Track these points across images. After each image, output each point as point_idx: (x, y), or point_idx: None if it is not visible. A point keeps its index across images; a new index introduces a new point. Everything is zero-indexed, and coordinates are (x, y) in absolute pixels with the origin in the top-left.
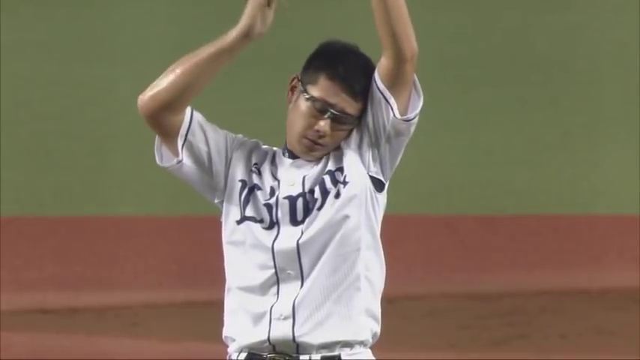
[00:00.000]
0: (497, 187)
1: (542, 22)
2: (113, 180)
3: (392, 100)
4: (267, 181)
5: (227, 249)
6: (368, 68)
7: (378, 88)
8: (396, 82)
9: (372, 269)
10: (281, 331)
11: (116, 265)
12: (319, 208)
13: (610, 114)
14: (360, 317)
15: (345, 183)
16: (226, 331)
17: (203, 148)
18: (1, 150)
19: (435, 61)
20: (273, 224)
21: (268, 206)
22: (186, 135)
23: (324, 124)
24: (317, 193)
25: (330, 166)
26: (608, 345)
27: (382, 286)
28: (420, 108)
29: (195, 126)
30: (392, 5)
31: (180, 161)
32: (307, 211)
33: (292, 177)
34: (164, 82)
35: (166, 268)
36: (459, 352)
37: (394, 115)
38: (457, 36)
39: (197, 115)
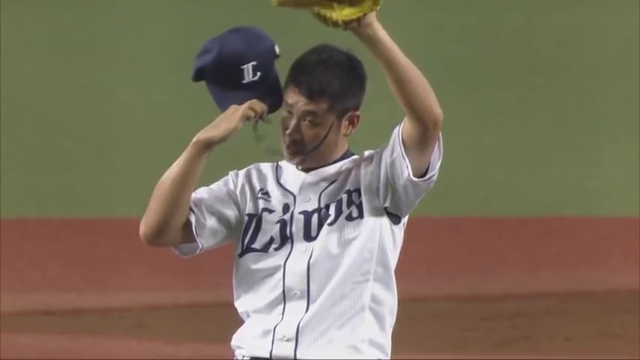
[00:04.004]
0: (501, 188)
1: (546, 24)
2: (117, 181)
3: (407, 160)
4: (279, 200)
5: (235, 284)
6: (337, 67)
7: (399, 144)
8: (417, 144)
9: (380, 302)
10: (283, 351)
11: (120, 266)
12: (330, 224)
13: (614, 115)
14: (363, 345)
15: (360, 208)
16: (233, 341)
17: (214, 220)
18: (5, 151)
19: (438, 62)
20: (286, 240)
21: (282, 223)
22: (197, 229)
23: (290, 126)
24: (332, 210)
25: (350, 186)
26: (612, 347)
27: (393, 321)
28: (438, 167)
29: (200, 216)
30: (406, 81)
31: (202, 248)
32: (321, 226)
33: (309, 193)
34: (151, 210)
35: (171, 270)
36: (463, 354)
37: (409, 175)
38: (461, 37)
39: (195, 205)
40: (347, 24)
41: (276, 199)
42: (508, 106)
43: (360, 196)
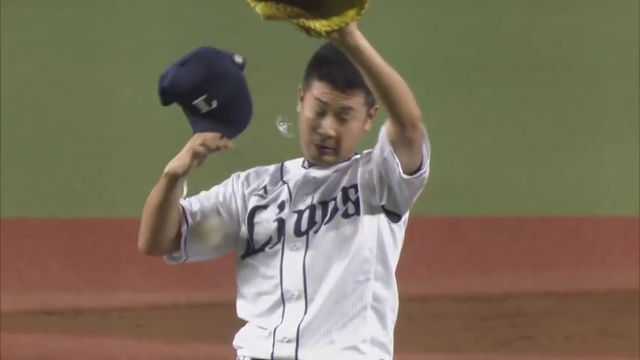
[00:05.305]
0: (500, 188)
1: (546, 24)
2: (117, 181)
3: (397, 159)
4: (277, 199)
5: (237, 287)
6: None
7: (387, 143)
8: (401, 143)
9: (381, 301)
10: (284, 352)
11: (120, 266)
12: (326, 223)
13: (614, 115)
14: (365, 346)
15: (356, 204)
16: (235, 341)
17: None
18: (5, 151)
19: (439, 62)
20: (280, 239)
21: (278, 221)
22: (187, 243)
23: (325, 125)
24: (327, 208)
25: (345, 183)
26: (612, 346)
27: (394, 318)
28: (428, 163)
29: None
30: (387, 87)
31: (185, 259)
32: (313, 223)
33: (305, 191)
34: (142, 228)
35: (170, 270)
36: (462, 354)
37: (400, 173)
38: (461, 37)
39: (192, 217)
40: (329, 34)
41: (275, 198)
42: (508, 105)
43: (356, 192)
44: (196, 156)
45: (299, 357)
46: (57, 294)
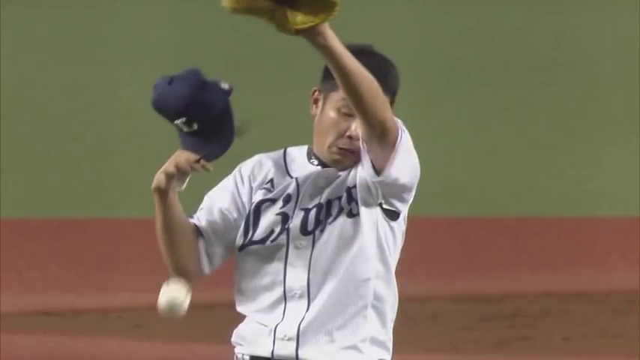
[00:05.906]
0: (500, 188)
1: (545, 25)
2: (116, 181)
3: (369, 159)
4: (283, 192)
5: (236, 283)
6: (383, 67)
7: (362, 145)
8: (371, 143)
9: (381, 299)
10: (285, 350)
11: (119, 266)
12: (331, 222)
13: (613, 115)
14: (364, 345)
15: (358, 204)
16: (233, 337)
17: (221, 248)
18: (5, 151)
19: (438, 63)
20: (282, 233)
21: (282, 215)
22: (208, 259)
23: (355, 127)
24: (333, 207)
25: (350, 183)
26: (611, 347)
27: (393, 316)
28: (397, 165)
29: (209, 242)
30: (356, 88)
31: (207, 272)
32: (318, 222)
33: (314, 188)
34: (164, 257)
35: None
36: (461, 354)
37: (373, 173)
38: (460, 38)
39: (205, 230)
40: (298, 32)
41: (280, 191)
42: (508, 106)
43: (357, 191)
44: (170, 175)
45: (299, 355)
46: (56, 294)
